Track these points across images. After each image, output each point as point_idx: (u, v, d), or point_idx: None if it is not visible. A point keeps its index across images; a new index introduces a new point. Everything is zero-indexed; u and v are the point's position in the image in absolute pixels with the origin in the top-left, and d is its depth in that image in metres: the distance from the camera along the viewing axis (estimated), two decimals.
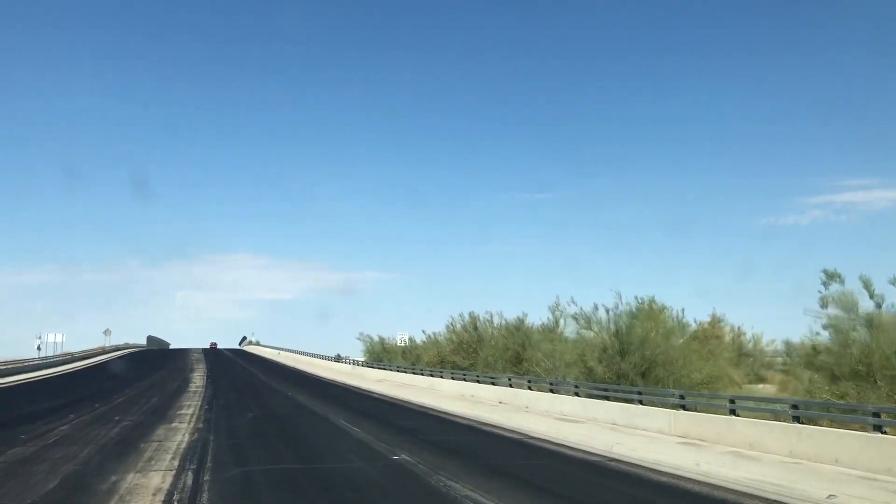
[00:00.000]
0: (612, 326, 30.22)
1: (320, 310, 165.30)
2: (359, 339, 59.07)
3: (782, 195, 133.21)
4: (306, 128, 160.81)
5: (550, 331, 37.38)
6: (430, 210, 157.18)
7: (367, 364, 57.21)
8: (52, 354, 72.90)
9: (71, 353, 76.73)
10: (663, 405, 21.20)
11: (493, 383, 31.96)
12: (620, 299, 30.46)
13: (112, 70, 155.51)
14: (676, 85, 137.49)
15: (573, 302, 31.46)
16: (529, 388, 28.54)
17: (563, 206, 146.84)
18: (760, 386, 36.29)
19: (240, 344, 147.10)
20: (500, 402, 30.08)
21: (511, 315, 39.36)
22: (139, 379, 50.37)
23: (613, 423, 21.87)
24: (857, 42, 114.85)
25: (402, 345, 52.57)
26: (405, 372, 45.15)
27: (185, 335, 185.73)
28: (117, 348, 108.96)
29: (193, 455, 15.67)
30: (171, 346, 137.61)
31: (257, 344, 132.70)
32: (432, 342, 45.64)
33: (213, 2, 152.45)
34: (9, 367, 55.28)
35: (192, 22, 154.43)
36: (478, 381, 33.37)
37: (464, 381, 35.25)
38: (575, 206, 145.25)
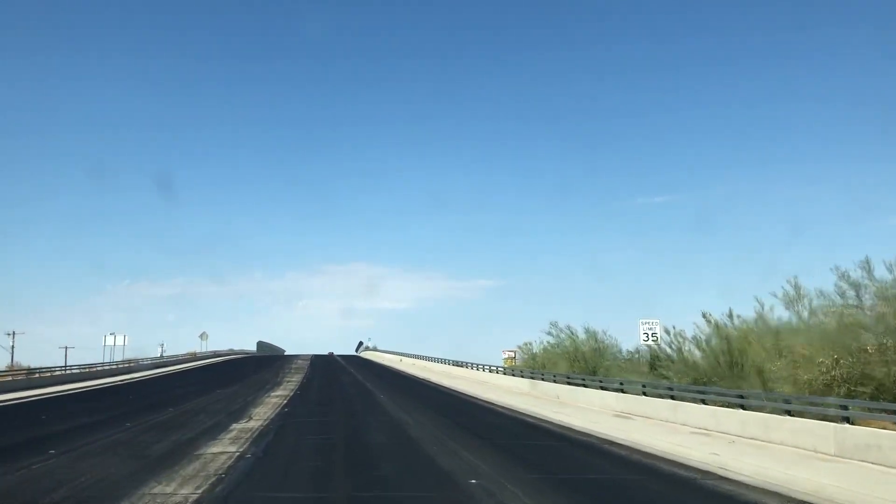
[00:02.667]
0: None
1: (432, 318, 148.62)
2: (549, 332, 33.42)
3: None
4: (418, 140, 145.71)
5: None
6: (542, 217, 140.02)
7: (546, 376, 31.72)
8: (106, 361, 51.91)
9: (136, 360, 55.90)
10: None
11: None
12: None
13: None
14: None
15: None
16: None
17: (682, 209, 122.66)
18: None
19: (356, 350, 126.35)
20: None
21: None
22: (184, 399, 27.46)
23: None
24: None
25: (653, 343, 26.28)
26: (669, 397, 19.28)
27: (304, 343, 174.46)
28: (217, 354, 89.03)
29: None
30: (285, 353, 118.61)
31: (374, 349, 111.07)
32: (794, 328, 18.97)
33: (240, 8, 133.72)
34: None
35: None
36: None
37: None
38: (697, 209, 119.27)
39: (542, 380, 31.36)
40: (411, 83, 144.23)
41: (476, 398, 29.82)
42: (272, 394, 30.56)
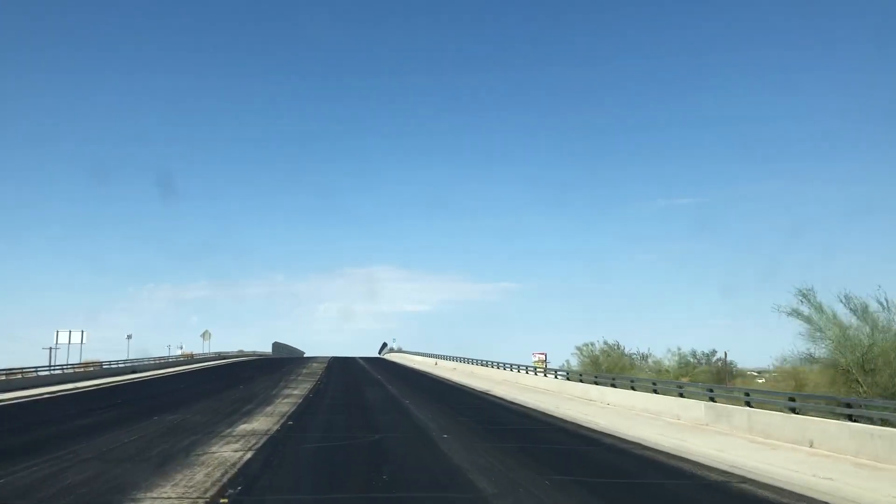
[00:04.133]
0: None
1: (456, 321, 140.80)
2: (794, 311, 18.05)
3: None
4: (446, 144, 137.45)
5: None
6: (561, 219, 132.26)
7: (755, 397, 16.70)
8: (43, 366, 37.39)
9: (98, 363, 41.56)
10: None
11: None
12: None
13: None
14: None
15: None
16: None
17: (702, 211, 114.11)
18: None
19: (380, 352, 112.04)
20: None
21: None
22: (50, 446, 12.47)
23: None
24: None
25: None
26: None
27: (324, 345, 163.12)
28: (222, 356, 74.48)
29: None
30: (305, 355, 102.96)
31: (399, 351, 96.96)
32: None
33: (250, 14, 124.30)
34: None
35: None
36: None
37: None
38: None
39: (747, 404, 16.03)
40: (429, 92, 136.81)
41: (645, 445, 14.68)
42: (239, 429, 15.70)
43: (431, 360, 60.38)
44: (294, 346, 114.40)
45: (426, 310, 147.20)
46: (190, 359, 62.43)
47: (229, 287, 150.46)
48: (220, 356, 72.65)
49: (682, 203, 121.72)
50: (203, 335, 72.25)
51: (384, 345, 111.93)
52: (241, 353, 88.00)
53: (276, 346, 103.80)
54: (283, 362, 65.42)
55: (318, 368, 50.89)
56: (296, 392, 27.54)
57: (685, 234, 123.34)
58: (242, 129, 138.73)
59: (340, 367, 54.86)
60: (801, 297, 17.11)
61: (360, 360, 76.01)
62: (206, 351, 71.78)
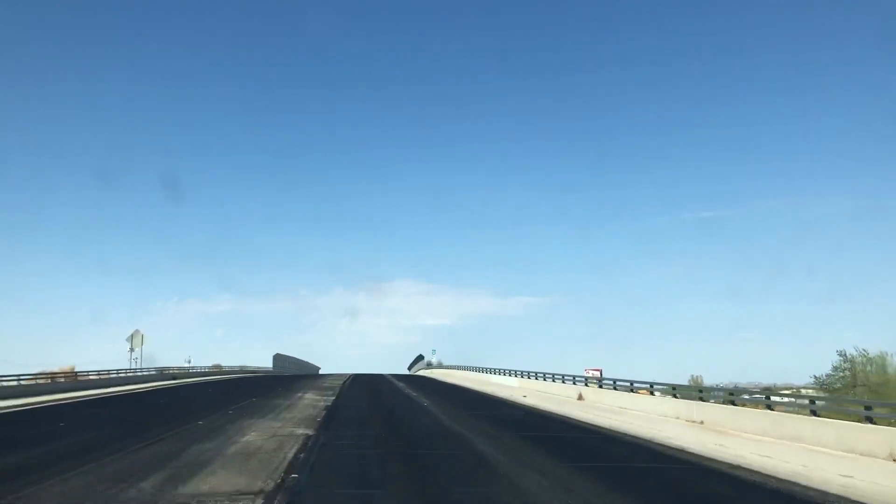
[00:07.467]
0: None
1: (479, 335, 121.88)
2: None
3: None
4: (466, 153, 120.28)
5: None
6: (579, 231, 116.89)
7: None
8: None
9: None
10: None
11: None
12: None
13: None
14: None
15: None
16: None
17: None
18: None
19: (410, 367, 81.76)
20: None
21: None
22: None
23: None
24: None
25: None
26: None
27: (348, 359, 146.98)
28: (165, 373, 40.47)
29: None
30: (320, 371, 77.27)
31: (439, 366, 66.68)
32: None
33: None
34: None
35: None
36: None
37: None
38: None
39: None
40: (435, 98, 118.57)
41: None
42: None
43: (570, 389, 27.75)
44: (308, 360, 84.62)
45: (448, 323, 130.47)
46: (66, 381, 30.11)
47: (253, 302, 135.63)
48: (161, 373, 40.59)
49: (706, 216, 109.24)
50: (130, 338, 40.27)
51: (419, 357, 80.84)
52: (216, 369, 56.26)
53: (277, 359, 72.66)
54: (263, 388, 33.15)
55: (311, 406, 19.18)
56: None
57: (709, 245, 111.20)
58: (253, 139, 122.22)
59: (367, 404, 22.79)
60: None
61: (396, 382, 43.97)
62: (138, 366, 39.91)
